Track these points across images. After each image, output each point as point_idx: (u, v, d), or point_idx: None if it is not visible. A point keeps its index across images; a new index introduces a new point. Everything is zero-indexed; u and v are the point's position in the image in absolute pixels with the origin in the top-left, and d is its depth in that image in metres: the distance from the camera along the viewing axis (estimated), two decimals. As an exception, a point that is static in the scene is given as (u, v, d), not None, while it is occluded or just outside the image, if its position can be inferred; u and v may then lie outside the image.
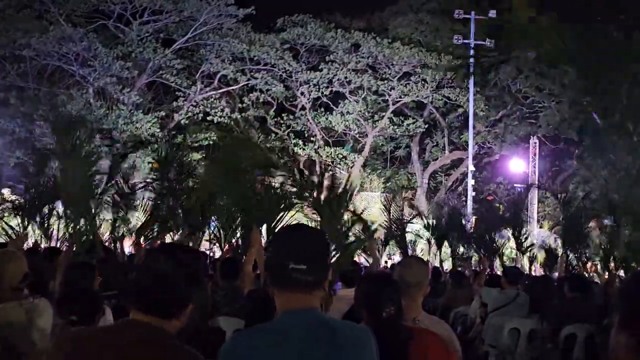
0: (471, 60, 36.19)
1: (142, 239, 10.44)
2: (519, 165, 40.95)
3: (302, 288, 2.60)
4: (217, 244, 11.28)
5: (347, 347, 2.58)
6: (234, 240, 10.43)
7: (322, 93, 37.62)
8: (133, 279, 2.71)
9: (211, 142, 31.76)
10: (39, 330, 4.63)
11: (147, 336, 2.59)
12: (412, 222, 17.58)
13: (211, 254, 12.42)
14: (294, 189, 8.73)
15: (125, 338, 2.58)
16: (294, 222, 8.71)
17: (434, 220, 17.47)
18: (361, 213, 9.14)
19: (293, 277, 2.58)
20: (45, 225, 10.94)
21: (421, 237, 18.99)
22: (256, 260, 7.60)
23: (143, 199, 11.92)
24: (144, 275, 2.66)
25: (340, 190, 8.10)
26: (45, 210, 10.78)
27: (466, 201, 35.16)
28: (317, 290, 2.65)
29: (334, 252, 6.52)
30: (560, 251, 14.88)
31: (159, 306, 2.63)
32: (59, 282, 6.22)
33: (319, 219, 7.91)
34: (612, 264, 13.70)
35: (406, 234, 16.41)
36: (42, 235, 11.17)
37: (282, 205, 9.17)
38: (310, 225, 9.44)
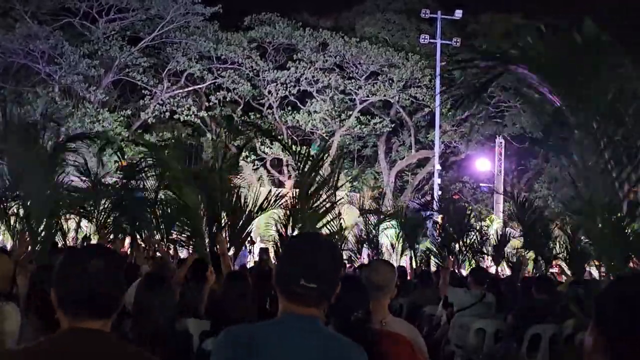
0: (438, 59, 36.38)
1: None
2: (485, 165, 41.12)
3: (309, 302, 2.58)
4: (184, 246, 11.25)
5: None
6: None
7: (290, 92, 37.58)
8: (72, 284, 2.42)
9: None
10: (6, 334, 4.62)
11: (109, 349, 2.43)
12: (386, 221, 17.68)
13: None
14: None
15: (88, 354, 2.37)
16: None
17: (401, 221, 17.53)
18: None
19: (301, 293, 2.56)
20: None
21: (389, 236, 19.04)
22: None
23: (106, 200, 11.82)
24: (87, 278, 2.40)
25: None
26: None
27: (432, 200, 35.28)
28: (324, 304, 2.64)
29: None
30: (523, 252, 15.02)
31: (105, 308, 2.45)
32: (23, 286, 6.05)
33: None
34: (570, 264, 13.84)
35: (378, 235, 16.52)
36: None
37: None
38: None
